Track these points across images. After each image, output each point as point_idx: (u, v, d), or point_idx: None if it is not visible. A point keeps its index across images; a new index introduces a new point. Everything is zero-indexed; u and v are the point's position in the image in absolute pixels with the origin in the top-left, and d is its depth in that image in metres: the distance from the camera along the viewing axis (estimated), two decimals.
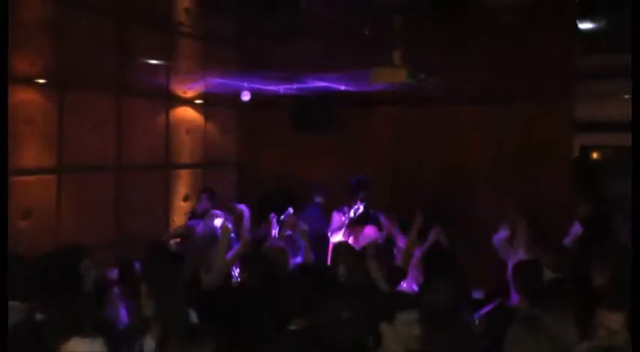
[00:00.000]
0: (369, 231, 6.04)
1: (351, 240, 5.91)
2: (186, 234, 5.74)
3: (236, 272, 4.85)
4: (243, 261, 4.19)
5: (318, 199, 6.66)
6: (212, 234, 5.03)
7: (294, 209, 5.56)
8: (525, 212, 5.50)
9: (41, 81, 5.74)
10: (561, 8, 6.23)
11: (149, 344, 3.15)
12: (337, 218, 6.06)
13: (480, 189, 7.03)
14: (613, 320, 2.30)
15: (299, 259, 4.87)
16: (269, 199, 6.74)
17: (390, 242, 5.54)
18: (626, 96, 6.70)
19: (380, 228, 5.96)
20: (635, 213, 3.16)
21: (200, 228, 5.47)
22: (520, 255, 5.26)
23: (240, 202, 7.39)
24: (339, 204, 6.32)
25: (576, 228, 5.61)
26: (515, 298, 5.05)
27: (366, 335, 2.62)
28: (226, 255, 4.72)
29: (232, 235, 5.30)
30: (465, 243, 5.49)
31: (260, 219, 6.01)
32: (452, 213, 6.17)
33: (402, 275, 4.61)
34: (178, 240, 6.16)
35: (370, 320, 2.64)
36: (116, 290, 4.87)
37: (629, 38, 3.58)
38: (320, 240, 5.96)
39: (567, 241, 5.57)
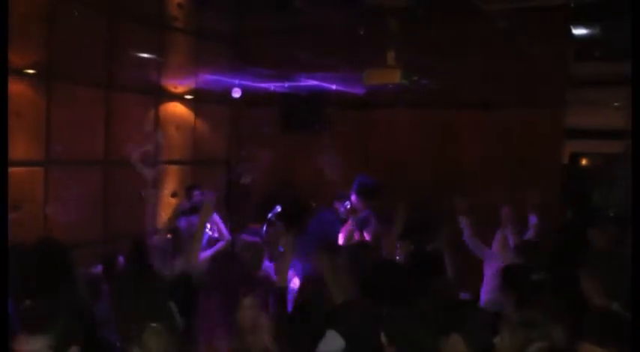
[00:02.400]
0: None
1: (340, 238, 5.91)
2: (175, 230, 5.71)
3: None
4: (213, 259, 4.15)
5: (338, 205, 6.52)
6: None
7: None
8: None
9: (30, 71, 5.66)
10: (555, 15, 6.25)
11: None
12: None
13: (470, 192, 7.03)
14: None
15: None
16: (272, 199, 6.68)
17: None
18: (617, 104, 6.77)
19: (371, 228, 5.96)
20: (635, 215, 3.16)
21: (187, 224, 5.44)
22: (495, 256, 5.29)
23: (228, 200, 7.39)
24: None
25: (533, 220, 5.60)
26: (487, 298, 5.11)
27: None
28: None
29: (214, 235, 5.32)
30: (454, 246, 5.48)
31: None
32: (441, 214, 6.16)
33: None
34: (169, 236, 6.13)
35: None
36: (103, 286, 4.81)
37: (625, 46, 3.58)
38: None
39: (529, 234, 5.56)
